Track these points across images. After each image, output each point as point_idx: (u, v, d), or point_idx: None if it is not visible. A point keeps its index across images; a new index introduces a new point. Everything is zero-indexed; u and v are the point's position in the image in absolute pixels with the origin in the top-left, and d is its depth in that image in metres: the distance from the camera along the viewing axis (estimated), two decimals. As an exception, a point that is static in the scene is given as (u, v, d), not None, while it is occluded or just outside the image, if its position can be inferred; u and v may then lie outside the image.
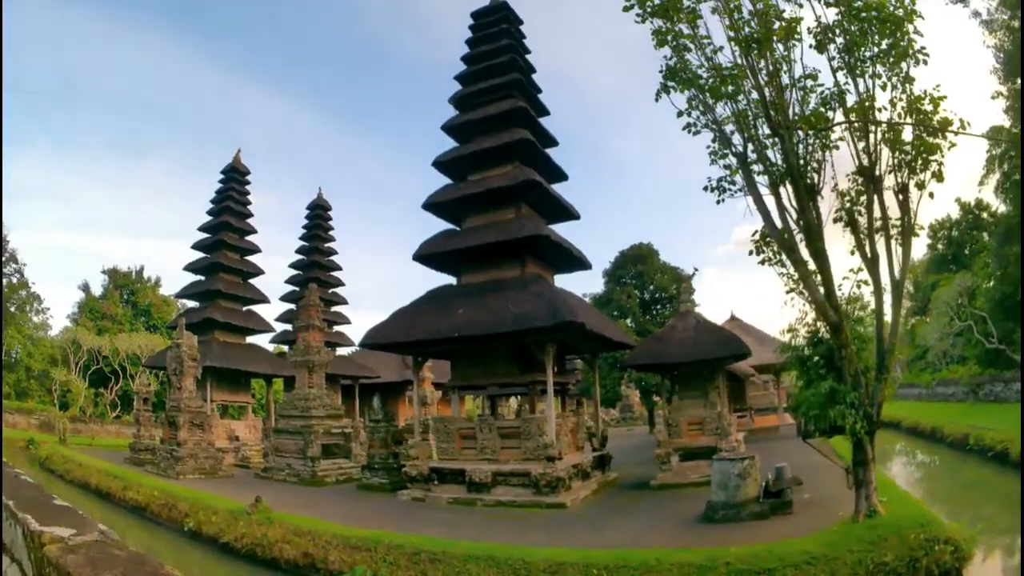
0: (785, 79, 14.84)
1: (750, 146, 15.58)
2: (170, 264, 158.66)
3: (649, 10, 15.50)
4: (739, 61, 14.92)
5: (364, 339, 24.70)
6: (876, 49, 14.38)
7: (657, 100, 16.11)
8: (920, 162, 14.36)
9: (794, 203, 14.96)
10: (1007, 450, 26.10)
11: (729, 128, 15.78)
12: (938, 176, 14.37)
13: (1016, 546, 16.00)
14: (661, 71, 15.91)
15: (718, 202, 16.27)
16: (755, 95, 15.09)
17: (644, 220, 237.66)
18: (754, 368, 39.54)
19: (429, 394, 38.72)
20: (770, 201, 15.37)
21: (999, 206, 57.62)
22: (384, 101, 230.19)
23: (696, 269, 27.66)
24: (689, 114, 15.95)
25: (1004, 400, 42.09)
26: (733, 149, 15.74)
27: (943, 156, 14.22)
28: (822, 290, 14.91)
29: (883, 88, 14.44)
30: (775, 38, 14.44)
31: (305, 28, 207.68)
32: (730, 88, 15.21)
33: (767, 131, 15.24)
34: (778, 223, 15.24)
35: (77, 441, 45.74)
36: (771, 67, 14.74)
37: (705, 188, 16.46)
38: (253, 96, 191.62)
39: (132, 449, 36.94)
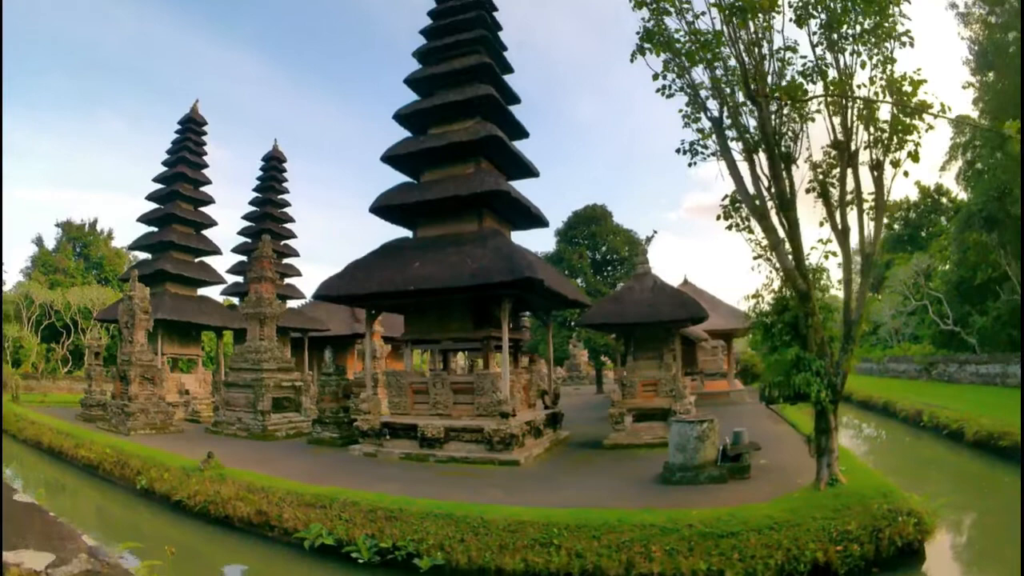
0: (765, 49, 14.70)
1: (725, 112, 15.49)
2: (122, 217, 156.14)
3: None
4: (720, 28, 14.72)
5: (318, 291, 24.27)
6: (859, 28, 14.38)
7: (632, 61, 15.84)
8: (895, 141, 14.39)
9: (767, 171, 14.92)
10: (962, 429, 26.31)
11: (704, 93, 15.68)
12: (914, 156, 14.36)
13: (971, 524, 16.24)
14: (638, 32, 15.64)
15: (690, 164, 16.95)
16: (733, 62, 14.99)
17: (597, 184, 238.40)
18: (706, 333, 39.69)
19: (379, 348, 38.45)
20: (743, 168, 15.33)
21: (959, 193, 59.63)
22: (341, 55, 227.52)
23: (655, 232, 27.80)
24: (664, 76, 15.73)
25: (957, 381, 42.93)
26: (708, 114, 15.71)
27: (920, 137, 14.24)
28: (791, 259, 14.92)
29: (862, 67, 14.47)
30: (758, 7, 14.18)
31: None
32: (709, 54, 15.03)
33: (742, 98, 15.17)
34: (751, 190, 15.22)
35: (29, 399, 44.76)
36: (752, 36, 14.57)
37: (677, 151, 16.53)
38: (206, 49, 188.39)
39: (83, 405, 36.17)
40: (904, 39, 14.44)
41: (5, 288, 71.68)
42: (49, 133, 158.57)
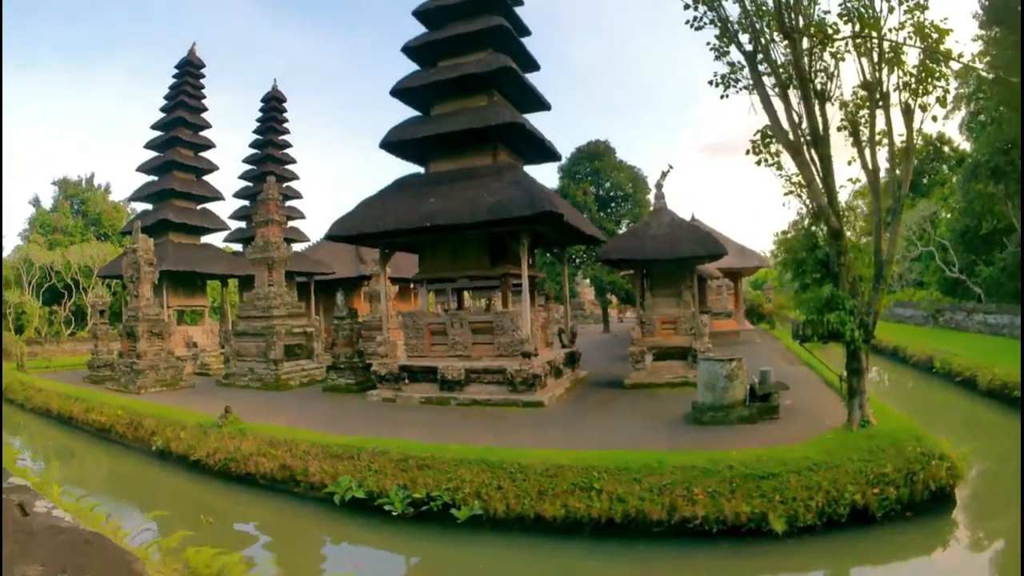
0: None
1: (758, 46, 15.24)
2: (119, 170, 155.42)
3: None
4: None
5: (330, 231, 23.56)
6: None
7: None
8: (923, 87, 14.20)
9: (800, 107, 14.75)
10: (975, 377, 26.06)
11: (733, 27, 15.48)
12: (942, 102, 14.42)
13: (995, 472, 15.95)
14: None
15: (722, 97, 16.09)
16: None
17: (593, 123, 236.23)
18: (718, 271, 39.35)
19: (381, 289, 37.94)
20: (775, 103, 15.19)
21: (961, 142, 59.68)
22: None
23: (671, 166, 26.89)
24: (696, 7, 15.61)
25: (964, 329, 42.55)
26: (740, 48, 15.46)
27: (948, 84, 14.25)
28: (823, 196, 14.76)
29: (891, 11, 14.12)
30: None
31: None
32: None
33: (770, 34, 15.02)
34: (784, 125, 14.99)
35: (34, 365, 43.88)
36: None
37: (710, 82, 16.14)
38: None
39: (90, 366, 35.35)
40: None
41: (4, 253, 71.05)
42: (44, 87, 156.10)
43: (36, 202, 76.73)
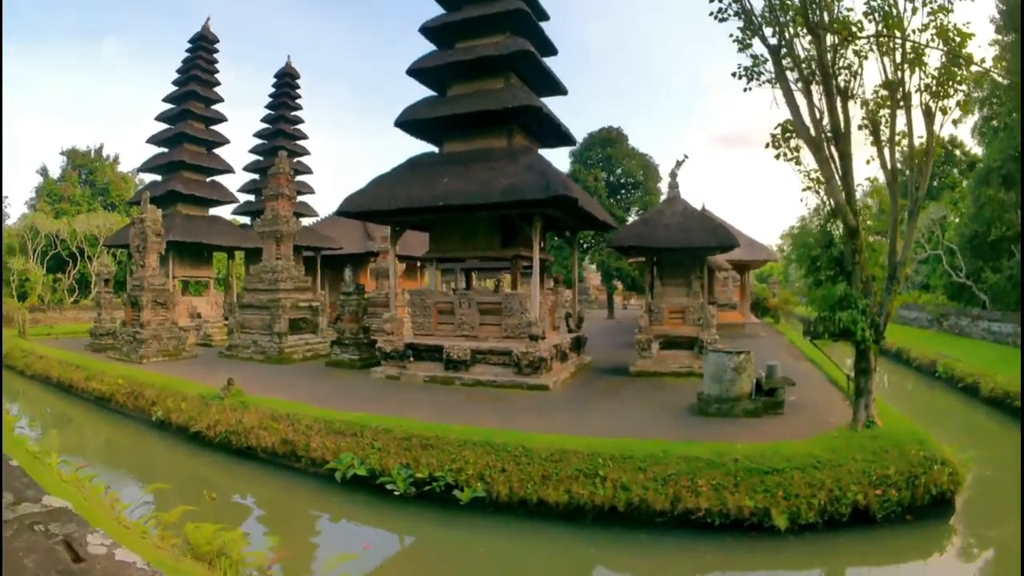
0: None
1: (782, 39, 15.21)
2: (128, 143, 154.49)
3: None
4: None
5: (341, 207, 23.45)
6: None
7: None
8: (943, 89, 14.18)
9: (823, 103, 14.76)
10: (977, 384, 25.96)
11: (756, 20, 15.47)
12: (963, 107, 14.61)
13: (994, 480, 15.93)
14: None
15: (745, 90, 16.06)
16: None
17: (605, 107, 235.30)
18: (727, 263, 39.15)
19: (390, 266, 37.82)
20: (798, 99, 15.17)
21: (973, 147, 58.97)
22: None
23: (686, 156, 26.74)
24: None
25: (968, 335, 42.36)
26: (764, 41, 15.40)
27: (969, 88, 14.49)
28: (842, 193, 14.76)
29: (914, 12, 14.05)
30: None
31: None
32: None
33: (794, 29, 14.99)
34: (806, 120, 14.98)
35: (36, 332, 43.69)
36: None
37: (733, 74, 16.19)
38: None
39: (92, 335, 35.22)
40: None
41: (9, 222, 70.80)
42: (54, 64, 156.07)
43: (44, 171, 76.76)
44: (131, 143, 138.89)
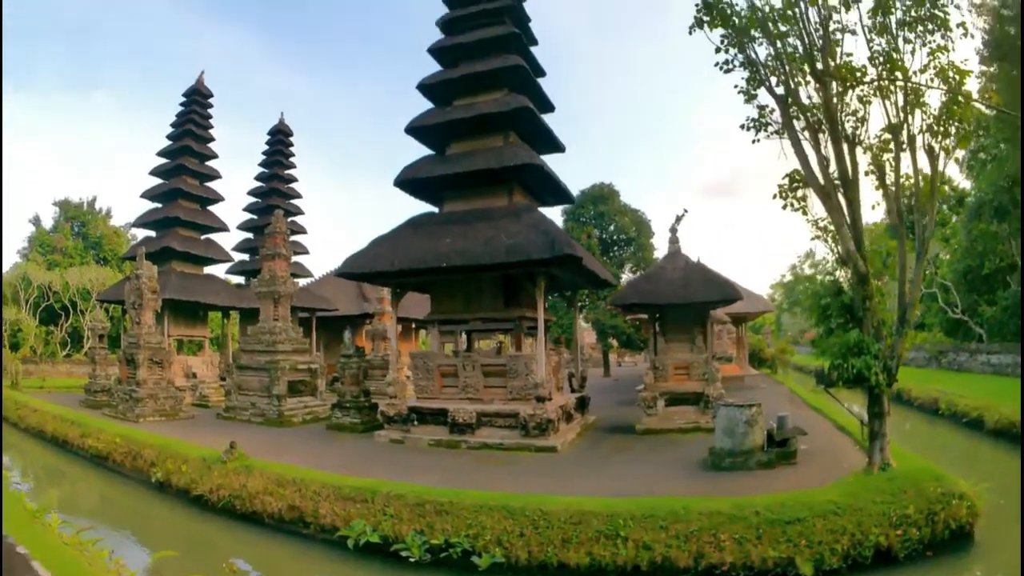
0: (833, 27, 14.74)
1: (787, 89, 15.39)
2: (121, 197, 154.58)
3: None
4: (793, 4, 14.74)
5: (342, 268, 23.27)
6: (910, 15, 14.29)
7: (691, 34, 16.02)
8: (944, 128, 14.39)
9: (830, 151, 14.92)
10: (982, 418, 26.11)
11: (762, 70, 15.64)
12: (963, 143, 15.08)
13: (1009, 509, 15.83)
14: (697, 5, 15.70)
15: (754, 142, 16.27)
16: (792, 40, 14.98)
17: (594, 165, 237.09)
18: (725, 315, 39.09)
19: (389, 328, 37.59)
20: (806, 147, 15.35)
21: (961, 181, 59.54)
22: (346, 38, 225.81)
23: (685, 210, 26.69)
24: (726, 51, 15.75)
25: (967, 369, 42.75)
26: (771, 91, 15.58)
27: (969, 125, 14.63)
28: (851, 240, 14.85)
29: (912, 54, 14.33)
30: None
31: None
32: (775, 29, 14.98)
33: (799, 77, 15.17)
34: (815, 169, 15.12)
35: (29, 384, 43.52)
36: (824, 13, 14.62)
37: (742, 126, 16.44)
38: (204, 26, 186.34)
39: (87, 391, 35.04)
40: (961, 28, 14.49)
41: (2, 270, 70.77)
42: (45, 111, 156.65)
43: (36, 221, 76.82)
44: (121, 195, 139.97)
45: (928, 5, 14.06)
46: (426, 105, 25.39)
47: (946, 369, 45.84)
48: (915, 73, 14.25)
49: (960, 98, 14.07)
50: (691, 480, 15.47)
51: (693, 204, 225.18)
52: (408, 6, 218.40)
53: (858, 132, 14.93)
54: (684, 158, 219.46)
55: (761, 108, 16.01)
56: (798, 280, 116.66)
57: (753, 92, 15.91)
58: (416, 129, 24.44)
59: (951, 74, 14.06)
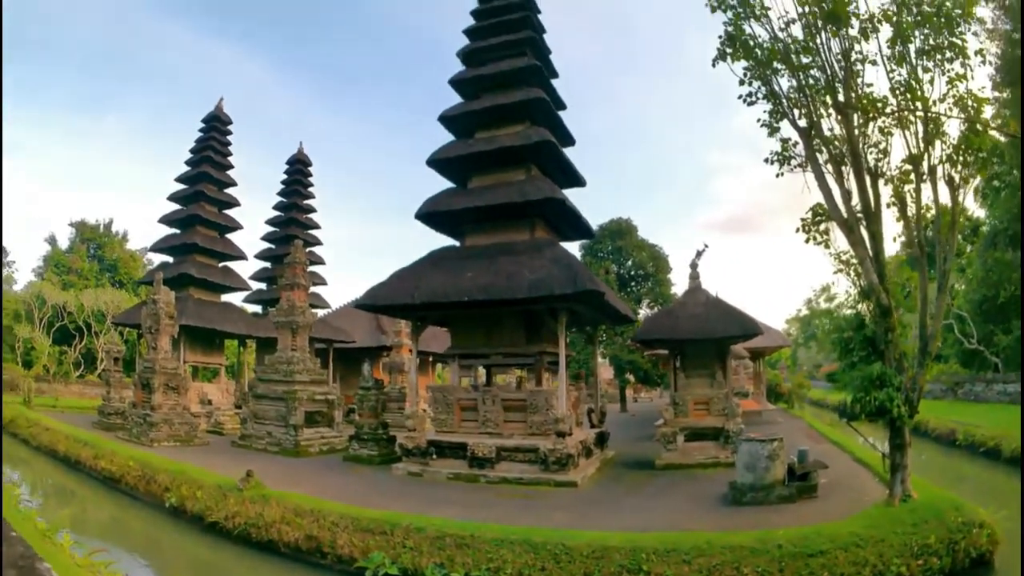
0: (853, 57, 14.75)
1: (809, 121, 15.43)
2: (135, 220, 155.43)
3: None
4: (815, 36, 14.76)
5: (362, 300, 23.36)
6: (928, 43, 14.36)
7: (714, 66, 16.04)
8: (964, 158, 14.44)
9: (853, 183, 14.95)
10: (999, 447, 26.19)
11: (785, 102, 15.69)
12: (982, 171, 15.07)
13: None
14: (720, 37, 15.76)
15: (778, 175, 16.34)
16: (814, 71, 15.03)
17: (610, 198, 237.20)
18: (744, 350, 39.01)
19: (406, 361, 37.54)
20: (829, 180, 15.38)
21: (975, 210, 59.29)
22: (361, 66, 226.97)
23: (706, 245, 26.68)
24: (750, 83, 15.80)
25: (984, 400, 42.72)
26: (794, 124, 15.62)
27: (987, 153, 14.64)
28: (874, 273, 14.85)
29: (931, 83, 14.37)
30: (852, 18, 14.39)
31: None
32: (798, 61, 15.06)
33: (822, 109, 15.20)
34: (839, 203, 15.13)
35: (41, 402, 43.59)
36: (845, 45, 14.64)
37: (766, 160, 16.53)
38: (220, 52, 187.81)
39: (101, 412, 35.09)
40: (981, 55, 14.77)
41: (16, 287, 71.23)
42: (61, 133, 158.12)
43: (52, 241, 77.50)
44: (137, 217, 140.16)
45: (946, 33, 14.16)
46: (446, 136, 25.57)
47: (962, 400, 45.86)
48: (934, 103, 14.32)
49: (978, 126, 14.15)
50: (713, 515, 15.45)
51: (706, 239, 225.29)
52: (427, 38, 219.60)
53: (880, 164, 14.98)
54: (698, 193, 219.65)
55: (784, 141, 16.14)
56: (814, 314, 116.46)
57: (776, 125, 16.07)
58: (437, 162, 24.54)
59: (969, 102, 14.15)
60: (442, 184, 25.33)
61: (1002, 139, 35.07)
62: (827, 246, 16.21)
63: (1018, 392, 37.84)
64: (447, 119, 24.96)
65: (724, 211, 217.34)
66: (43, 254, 76.83)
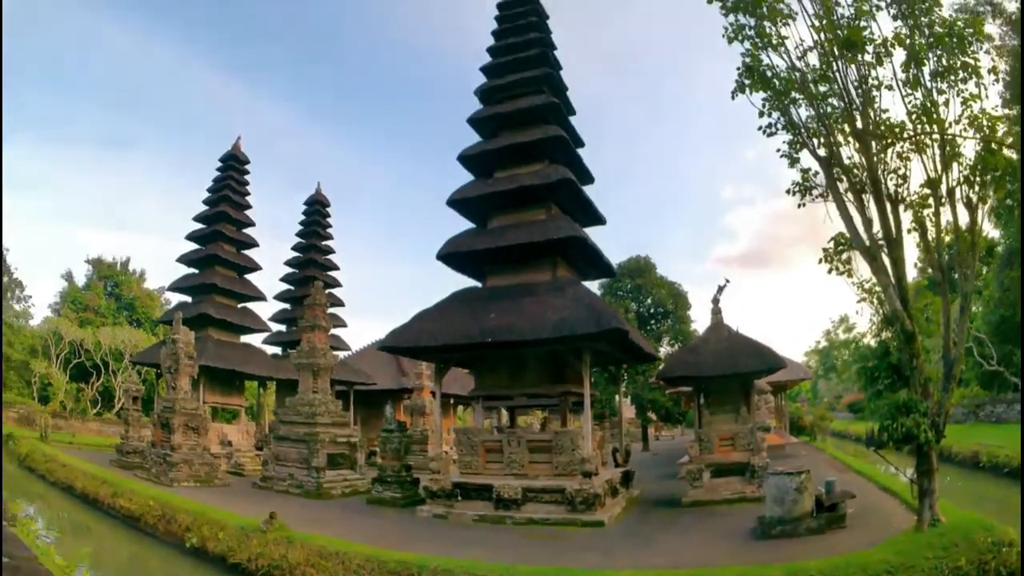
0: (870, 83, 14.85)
1: (828, 150, 15.51)
2: (151, 259, 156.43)
3: (739, 5, 15.49)
4: (831, 63, 14.86)
5: (385, 342, 23.39)
6: (941, 64, 14.44)
7: (733, 98, 16.07)
8: (981, 179, 14.44)
9: (871, 211, 15.02)
10: None
11: (804, 132, 15.78)
12: (1000, 190, 14.97)
13: None
14: (739, 68, 15.79)
15: (800, 206, 16.38)
16: (832, 100, 15.13)
17: (625, 235, 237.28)
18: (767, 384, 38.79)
19: (428, 403, 37.42)
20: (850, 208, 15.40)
21: (989, 231, 59.15)
22: (371, 110, 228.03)
23: (728, 280, 26.56)
24: (769, 114, 15.79)
25: (1005, 421, 42.56)
26: (816, 154, 15.68)
27: (1004, 173, 14.50)
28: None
29: (946, 104, 14.42)
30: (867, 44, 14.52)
31: (295, 26, 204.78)
32: (816, 90, 15.14)
33: (841, 137, 15.24)
34: (860, 231, 15.12)
35: (57, 438, 43.56)
36: (863, 72, 14.75)
37: (788, 191, 16.56)
38: (239, 95, 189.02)
39: (119, 451, 35.01)
40: (994, 74, 14.96)
41: (33, 322, 71.82)
42: (77, 170, 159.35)
43: (69, 277, 77.83)
44: (152, 256, 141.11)
45: (958, 53, 14.24)
46: (464, 175, 25.75)
47: (984, 422, 45.69)
48: (950, 124, 14.38)
49: (993, 145, 14.18)
50: (743, 549, 15.49)
51: (722, 274, 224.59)
52: (446, 77, 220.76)
53: (900, 190, 14.97)
54: (712, 228, 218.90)
55: (804, 172, 16.20)
56: (833, 346, 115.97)
57: (796, 156, 16.12)
58: (457, 202, 24.68)
59: (984, 122, 14.21)
60: (461, 224, 25.47)
61: (1015, 157, 35.15)
62: (849, 275, 16.21)
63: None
64: (466, 158, 25.12)
65: (739, 245, 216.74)
66: (59, 290, 77.45)
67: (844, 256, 16.10)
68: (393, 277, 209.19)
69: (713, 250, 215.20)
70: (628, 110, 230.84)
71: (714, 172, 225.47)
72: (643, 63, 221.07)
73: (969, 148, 14.57)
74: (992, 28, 41.91)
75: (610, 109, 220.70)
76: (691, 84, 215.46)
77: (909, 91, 14.56)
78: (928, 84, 14.45)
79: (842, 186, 15.31)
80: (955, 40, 14.20)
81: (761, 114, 15.86)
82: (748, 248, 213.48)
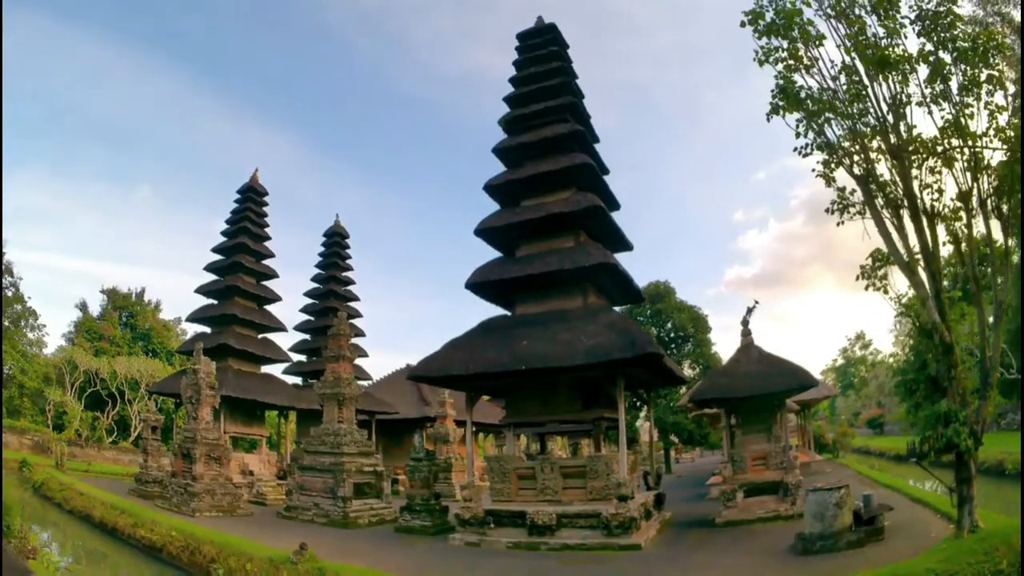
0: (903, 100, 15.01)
1: (862, 168, 15.71)
2: (163, 292, 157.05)
3: (772, 28, 15.66)
4: (865, 82, 15.11)
5: (414, 371, 23.38)
6: (967, 79, 14.60)
7: (768, 120, 16.13)
8: (1008, 187, 14.55)
9: (908, 226, 15.17)
10: None
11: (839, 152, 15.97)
12: None
13: None
14: (773, 91, 15.96)
15: (839, 224, 16.42)
16: (866, 118, 15.31)
17: (638, 263, 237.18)
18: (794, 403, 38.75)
19: (451, 431, 37.34)
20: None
21: (1002, 239, 58.88)
22: (379, 146, 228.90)
23: (757, 302, 26.58)
24: (805, 135, 15.96)
25: None
26: (852, 172, 15.82)
27: None
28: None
29: (971, 117, 14.55)
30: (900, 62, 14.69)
31: (303, 63, 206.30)
32: (855, 108, 15.30)
33: (875, 155, 15.48)
34: (899, 246, 15.31)
35: (73, 466, 43.53)
36: (896, 90, 14.92)
37: (827, 210, 16.65)
38: (248, 132, 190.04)
39: (138, 480, 34.79)
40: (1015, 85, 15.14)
41: (46, 351, 71.79)
42: (90, 204, 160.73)
43: (83, 307, 78.25)
44: (164, 290, 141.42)
45: (981, 66, 14.38)
46: (488, 205, 25.83)
47: (1005, 430, 45.83)
48: (979, 137, 14.49)
49: (1020, 155, 14.20)
50: (785, 566, 15.64)
51: (736, 297, 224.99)
52: (467, 109, 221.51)
53: (936, 204, 15.09)
54: (725, 252, 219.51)
55: (840, 190, 16.31)
56: (849, 363, 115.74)
57: (831, 175, 16.23)
58: (485, 231, 24.81)
59: (1010, 132, 14.37)
60: (486, 253, 25.71)
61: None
62: (886, 291, 16.40)
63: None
64: (492, 188, 25.26)
65: (752, 267, 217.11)
66: (73, 320, 77.68)
67: (881, 272, 16.29)
68: (415, 307, 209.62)
69: (725, 273, 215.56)
70: (635, 142, 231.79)
71: (724, 196, 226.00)
72: (648, 99, 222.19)
73: (997, 159, 14.80)
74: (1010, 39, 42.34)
75: (618, 143, 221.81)
76: (695, 115, 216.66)
77: (939, 106, 14.73)
78: (956, 98, 14.61)
79: (878, 203, 15.46)
80: (979, 53, 14.35)
81: (797, 135, 15.98)
82: (761, 270, 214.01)
